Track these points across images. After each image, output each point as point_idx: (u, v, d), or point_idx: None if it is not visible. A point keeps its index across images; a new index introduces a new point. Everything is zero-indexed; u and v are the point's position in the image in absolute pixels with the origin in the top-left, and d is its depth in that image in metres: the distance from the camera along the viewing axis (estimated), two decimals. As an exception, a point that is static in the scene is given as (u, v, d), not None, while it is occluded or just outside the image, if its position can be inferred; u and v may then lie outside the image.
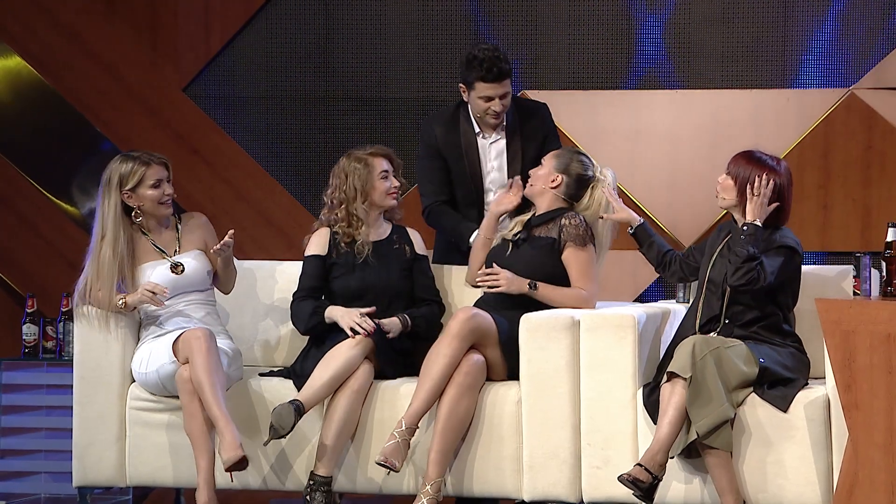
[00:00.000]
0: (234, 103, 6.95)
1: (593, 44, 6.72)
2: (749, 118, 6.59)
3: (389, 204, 5.33)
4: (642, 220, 5.25)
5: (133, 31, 6.96)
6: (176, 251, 5.29)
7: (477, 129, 5.51)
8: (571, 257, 5.20)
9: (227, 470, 4.91)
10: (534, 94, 6.74)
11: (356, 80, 6.88)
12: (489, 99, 5.39)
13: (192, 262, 5.29)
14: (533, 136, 5.49)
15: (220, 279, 5.34)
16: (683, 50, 6.68)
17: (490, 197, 5.50)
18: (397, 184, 5.35)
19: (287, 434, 4.92)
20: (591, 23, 6.72)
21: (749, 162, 4.97)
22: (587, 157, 5.34)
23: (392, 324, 5.18)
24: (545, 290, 5.18)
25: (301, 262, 5.37)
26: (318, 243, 5.34)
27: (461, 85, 5.45)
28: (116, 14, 6.97)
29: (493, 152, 5.52)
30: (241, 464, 4.90)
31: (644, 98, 6.70)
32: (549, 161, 5.29)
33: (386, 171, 5.33)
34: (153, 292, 5.12)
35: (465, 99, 5.47)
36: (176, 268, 5.25)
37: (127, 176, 5.22)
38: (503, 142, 5.51)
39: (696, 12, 6.67)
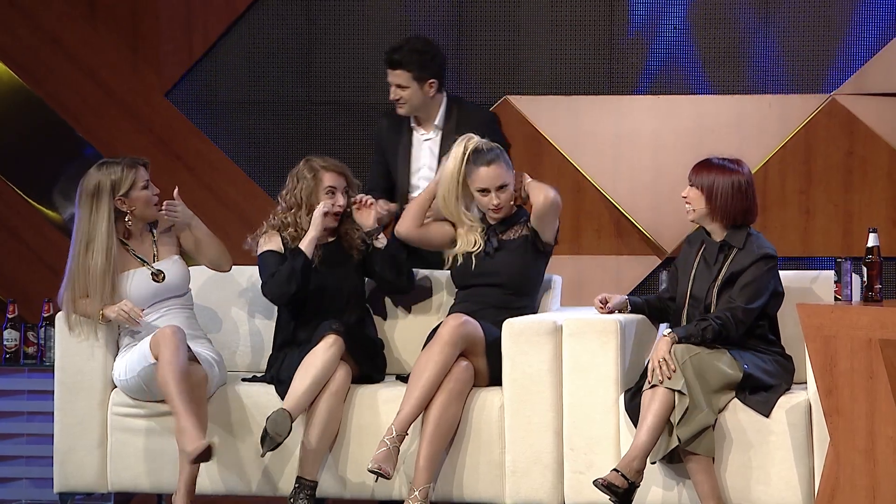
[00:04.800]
0: (216, 108, 6.94)
1: (576, 49, 6.73)
2: (731, 124, 6.61)
3: (327, 224, 5.28)
4: (626, 299, 5.12)
5: (115, 36, 6.95)
6: (154, 257, 5.28)
7: (413, 124, 5.59)
8: (531, 188, 5.23)
9: (192, 462, 4.89)
10: (517, 100, 6.74)
11: (338, 85, 6.88)
12: (390, 85, 5.50)
13: (172, 267, 5.27)
14: None
15: (206, 256, 5.29)
16: (666, 55, 6.69)
17: (415, 194, 5.52)
18: (342, 202, 5.28)
19: (283, 441, 4.91)
20: (573, 28, 6.73)
21: (711, 169, 4.97)
22: (495, 146, 5.29)
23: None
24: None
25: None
26: (274, 243, 5.33)
27: None
28: (98, 19, 6.96)
29: (424, 149, 5.57)
30: (206, 453, 4.87)
31: (627, 103, 6.71)
32: (508, 175, 5.21)
33: (333, 187, 5.28)
34: (129, 315, 5.09)
35: None
36: (157, 276, 5.23)
37: (119, 181, 5.18)
38: (437, 140, 5.55)
39: (678, 18, 6.68)
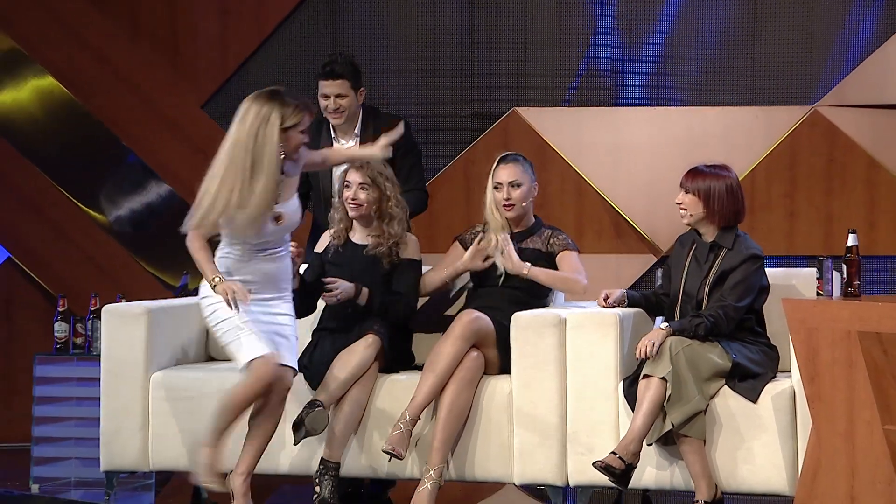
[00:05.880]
0: (248, 119, 6.94)
1: (579, 65, 6.72)
2: (721, 133, 6.60)
3: (349, 213, 5.23)
4: (624, 293, 5.11)
5: (156, 53, 6.96)
6: (278, 197, 4.85)
7: (333, 134, 5.55)
8: (565, 258, 5.21)
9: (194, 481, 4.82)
10: (524, 111, 6.74)
11: (361, 97, 6.89)
12: (326, 97, 5.46)
13: (289, 209, 4.85)
14: None
15: None
16: (662, 70, 6.68)
17: (337, 200, 5.38)
18: (353, 196, 5.17)
19: (318, 434, 4.91)
20: (577, 46, 6.73)
21: (706, 176, 4.96)
22: (521, 155, 5.32)
23: (344, 287, 5.08)
24: (537, 272, 5.15)
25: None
26: (323, 242, 5.34)
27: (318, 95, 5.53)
28: (141, 37, 6.97)
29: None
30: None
31: (625, 115, 6.70)
32: (524, 177, 5.22)
33: (349, 181, 5.21)
34: (234, 300, 4.68)
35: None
36: (277, 219, 4.86)
37: (288, 116, 4.72)
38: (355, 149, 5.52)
39: (672, 35, 6.68)
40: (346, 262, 5.24)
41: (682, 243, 5.10)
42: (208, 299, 4.81)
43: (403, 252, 5.23)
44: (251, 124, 4.72)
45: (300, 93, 6.77)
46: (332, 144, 5.55)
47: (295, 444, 4.97)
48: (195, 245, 4.78)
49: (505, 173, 5.23)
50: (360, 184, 5.20)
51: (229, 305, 4.70)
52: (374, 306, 5.15)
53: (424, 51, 6.82)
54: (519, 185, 5.22)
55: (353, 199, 5.21)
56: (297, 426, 4.91)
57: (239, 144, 4.71)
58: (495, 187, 5.23)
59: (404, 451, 4.90)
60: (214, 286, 4.74)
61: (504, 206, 5.22)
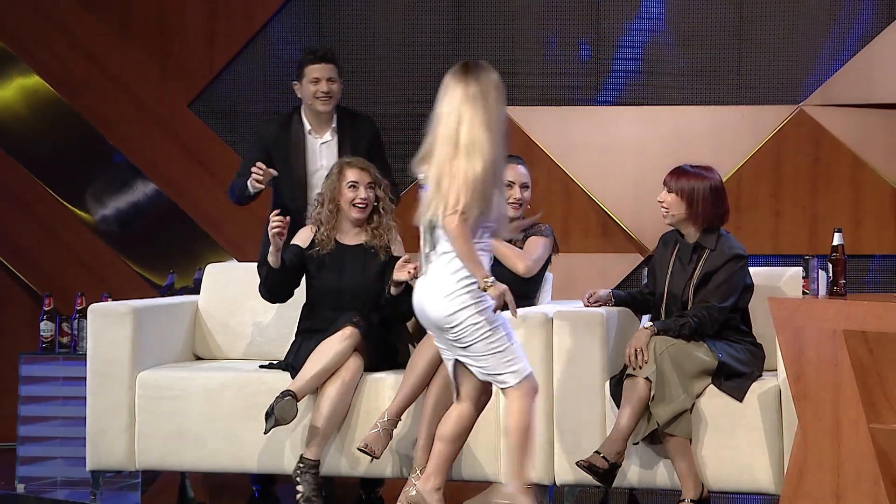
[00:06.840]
0: (235, 118, 6.93)
1: (566, 63, 6.73)
2: (708, 132, 6.61)
3: (353, 216, 5.22)
4: (610, 293, 5.12)
5: (143, 52, 6.94)
6: None
7: (308, 129, 5.51)
8: (529, 241, 5.26)
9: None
10: (511, 110, 6.71)
11: (347, 96, 6.86)
12: (317, 81, 5.42)
13: None
14: (361, 140, 5.50)
15: None
16: (649, 70, 6.69)
17: (314, 192, 5.38)
18: (364, 195, 5.19)
19: (288, 423, 4.90)
20: (563, 44, 6.73)
21: (690, 176, 4.96)
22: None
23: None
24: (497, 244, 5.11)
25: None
26: (303, 237, 5.31)
27: (294, 83, 5.49)
28: (129, 36, 6.96)
29: (323, 151, 5.51)
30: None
31: (613, 114, 6.70)
32: (529, 178, 5.27)
33: (355, 181, 5.20)
34: (508, 305, 4.30)
35: (299, 94, 5.49)
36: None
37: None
38: (335, 143, 5.50)
39: (659, 35, 6.68)
40: (342, 265, 5.22)
41: (664, 243, 5.10)
42: (481, 304, 4.37)
43: (393, 248, 5.26)
44: (495, 98, 4.40)
45: (291, 89, 6.79)
46: (304, 139, 5.51)
47: (265, 434, 4.96)
48: (469, 235, 4.30)
49: (517, 174, 5.26)
50: (369, 183, 5.21)
51: (501, 309, 4.30)
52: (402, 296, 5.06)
53: (410, 49, 6.82)
54: (528, 188, 5.28)
55: (363, 199, 5.20)
56: (267, 416, 4.90)
57: (492, 122, 4.36)
58: (507, 185, 5.24)
59: (380, 451, 4.89)
60: (487, 288, 4.31)
61: (513, 205, 5.24)
